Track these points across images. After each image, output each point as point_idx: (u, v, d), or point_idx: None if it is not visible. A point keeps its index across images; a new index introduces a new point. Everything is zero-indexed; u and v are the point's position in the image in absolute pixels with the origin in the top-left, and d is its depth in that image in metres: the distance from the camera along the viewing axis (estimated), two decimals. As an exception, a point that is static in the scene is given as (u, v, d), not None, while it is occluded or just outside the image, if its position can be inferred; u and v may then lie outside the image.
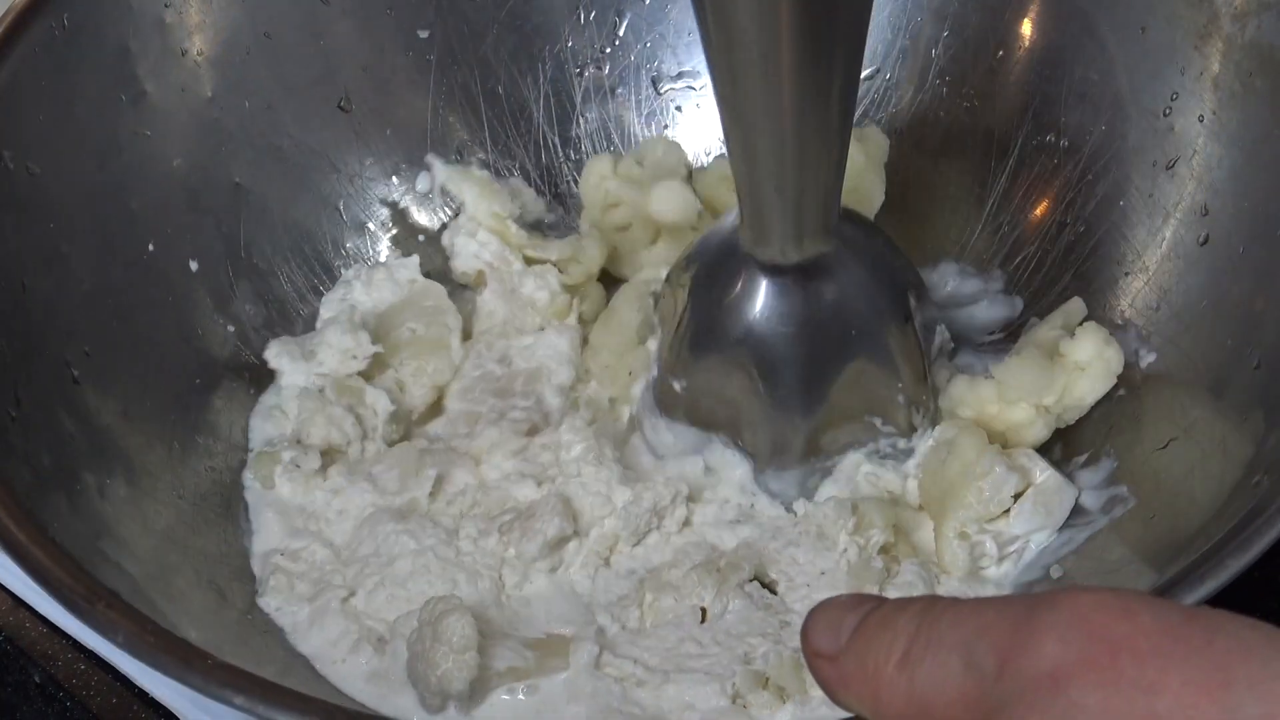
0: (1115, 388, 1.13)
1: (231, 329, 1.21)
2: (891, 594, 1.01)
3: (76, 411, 1.04)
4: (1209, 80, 1.10)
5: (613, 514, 1.08)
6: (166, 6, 1.17)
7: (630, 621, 1.03)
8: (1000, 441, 1.12)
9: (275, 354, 1.19)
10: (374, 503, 1.11)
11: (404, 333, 1.21)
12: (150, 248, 1.16)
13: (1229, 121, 1.08)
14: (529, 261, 1.26)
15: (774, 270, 1.05)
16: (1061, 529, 1.08)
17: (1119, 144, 1.17)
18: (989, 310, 1.25)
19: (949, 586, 1.06)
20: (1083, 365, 1.12)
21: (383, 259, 1.31)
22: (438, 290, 1.24)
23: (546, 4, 1.33)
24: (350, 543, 1.09)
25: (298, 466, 1.13)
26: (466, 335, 1.25)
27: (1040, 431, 1.13)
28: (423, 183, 1.32)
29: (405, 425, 1.20)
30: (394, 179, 1.32)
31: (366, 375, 1.19)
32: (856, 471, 1.12)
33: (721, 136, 1.01)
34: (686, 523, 1.10)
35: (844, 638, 0.60)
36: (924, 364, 1.11)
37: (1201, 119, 1.10)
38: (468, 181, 1.29)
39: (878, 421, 1.11)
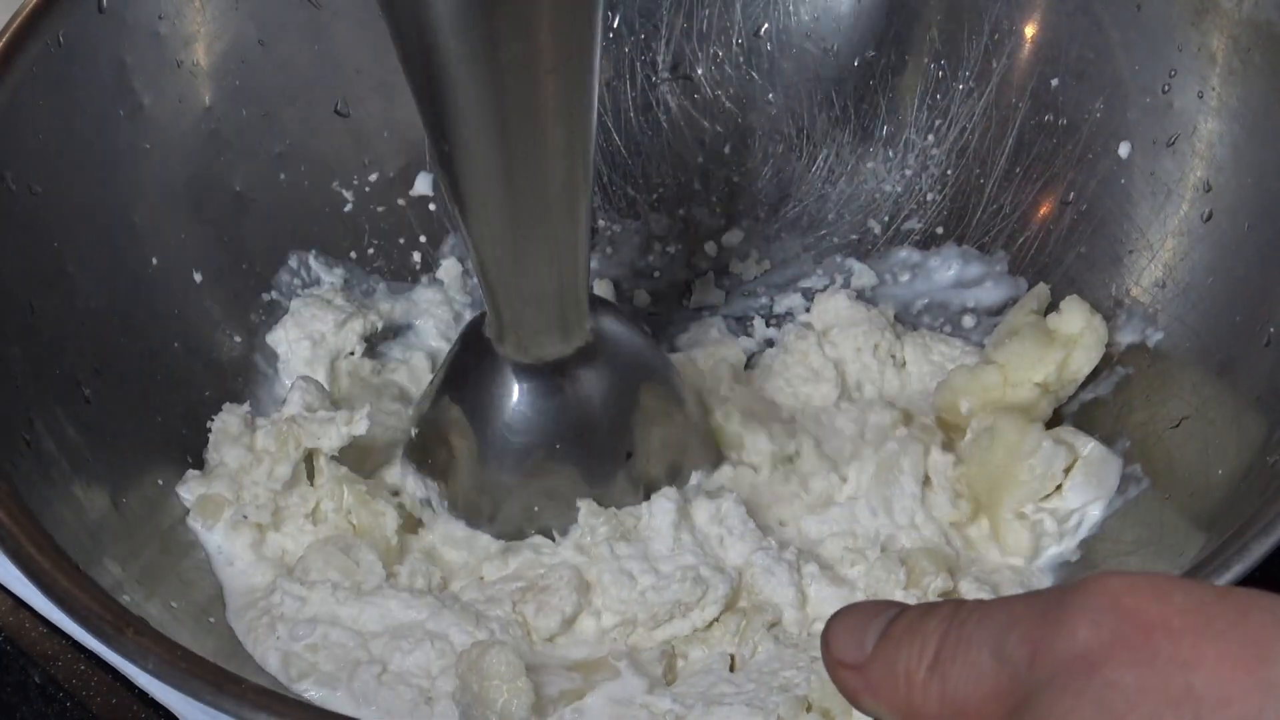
0: (1124, 367, 1.13)
1: (239, 339, 1.21)
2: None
3: (90, 431, 1.04)
4: (1207, 56, 1.10)
5: (635, 596, 1.05)
6: (160, 18, 1.16)
7: (657, 672, 1.02)
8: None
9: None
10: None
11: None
12: (154, 261, 1.16)
13: (1229, 97, 1.08)
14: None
15: (514, 364, 1.04)
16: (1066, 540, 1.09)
17: (1118, 122, 1.17)
18: (994, 292, 1.25)
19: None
20: (1075, 338, 1.13)
21: (386, 266, 1.31)
22: None
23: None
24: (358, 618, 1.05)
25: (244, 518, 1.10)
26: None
27: (1045, 409, 1.14)
28: (422, 185, 1.31)
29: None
30: (393, 180, 1.31)
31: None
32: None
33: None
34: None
35: (869, 645, 0.59)
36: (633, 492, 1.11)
37: (1201, 95, 1.10)
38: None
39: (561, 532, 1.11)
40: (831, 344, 1.25)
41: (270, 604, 1.03)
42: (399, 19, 0.77)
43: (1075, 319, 1.13)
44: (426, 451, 1.12)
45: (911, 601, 1.01)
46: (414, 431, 1.12)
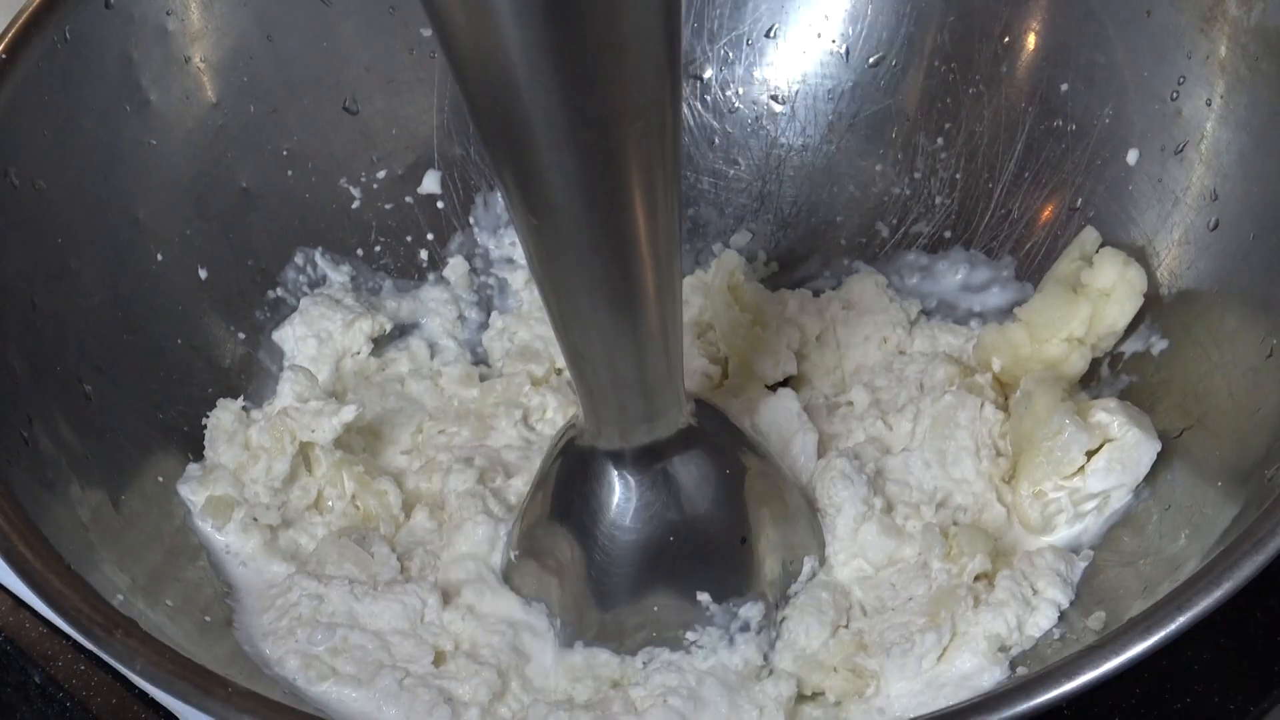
0: (1128, 375, 1.13)
1: (243, 336, 1.21)
2: (984, 615, 1.00)
3: (89, 428, 1.04)
4: (1215, 64, 1.09)
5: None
6: (168, 14, 1.17)
7: None
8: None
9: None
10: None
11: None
12: (159, 257, 1.16)
13: (1236, 105, 1.07)
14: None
15: (609, 457, 0.99)
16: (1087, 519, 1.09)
17: (1127, 128, 1.16)
18: (1001, 297, 1.25)
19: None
20: (1107, 291, 1.12)
21: (393, 264, 1.31)
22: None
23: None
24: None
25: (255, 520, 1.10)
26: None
27: (1078, 364, 1.14)
28: (430, 182, 1.31)
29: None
30: (401, 177, 1.31)
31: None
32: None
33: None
34: None
35: None
36: (755, 579, 1.05)
37: (1209, 103, 1.09)
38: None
39: (686, 629, 1.04)
40: (844, 324, 1.26)
41: (288, 604, 1.03)
42: (473, 83, 0.69)
43: (1108, 272, 1.12)
44: (531, 571, 1.06)
45: (944, 576, 1.03)
46: (514, 554, 1.07)
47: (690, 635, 1.03)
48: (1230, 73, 1.08)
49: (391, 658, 1.00)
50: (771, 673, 1.03)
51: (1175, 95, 1.12)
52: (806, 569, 1.07)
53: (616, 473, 0.99)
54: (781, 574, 1.06)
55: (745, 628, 1.03)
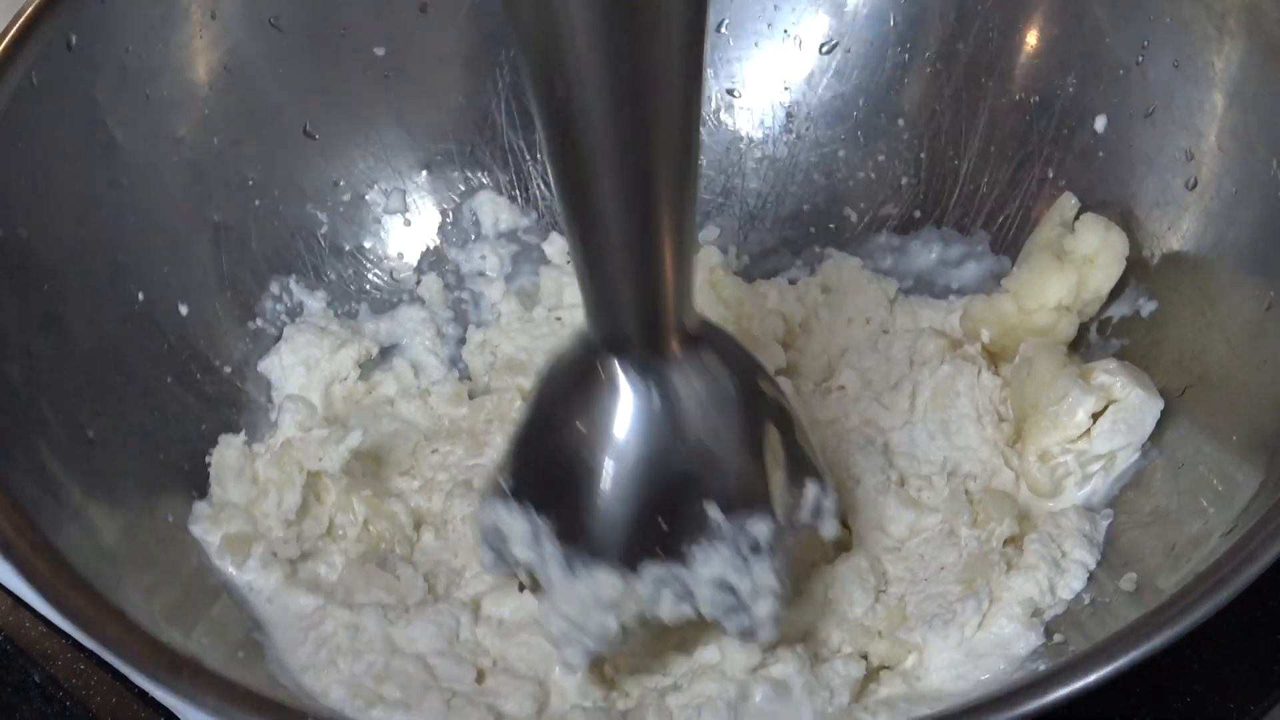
0: (1118, 339, 1.15)
1: (229, 370, 1.20)
2: (1017, 579, 1.01)
3: (98, 473, 1.03)
4: (1180, 25, 1.10)
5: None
6: (127, 51, 1.15)
7: None
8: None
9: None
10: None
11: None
12: (141, 297, 1.14)
13: (1205, 65, 1.09)
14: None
15: (617, 372, 0.95)
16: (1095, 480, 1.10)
17: (1093, 96, 1.18)
18: (977, 271, 1.27)
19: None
20: (1090, 257, 1.14)
21: (367, 286, 1.31)
22: None
23: (497, 8, 1.31)
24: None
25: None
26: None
27: (1067, 330, 1.16)
28: (395, 201, 1.31)
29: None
30: (367, 199, 1.31)
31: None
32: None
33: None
34: None
35: None
36: (765, 496, 1.01)
37: (1177, 64, 1.11)
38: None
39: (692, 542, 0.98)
40: (826, 309, 1.27)
41: (323, 635, 1.02)
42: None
43: (1090, 238, 1.14)
44: (529, 485, 1.00)
45: (975, 543, 1.04)
46: (510, 466, 1.01)
47: (697, 550, 0.97)
48: (1196, 33, 1.10)
49: (435, 679, 1.00)
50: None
51: (1140, 60, 1.14)
52: (811, 494, 1.02)
53: (623, 379, 0.94)
54: (787, 495, 1.01)
55: (756, 548, 0.97)
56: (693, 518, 0.96)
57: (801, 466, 1.02)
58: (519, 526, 0.98)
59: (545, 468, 0.99)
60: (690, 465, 0.96)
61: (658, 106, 0.76)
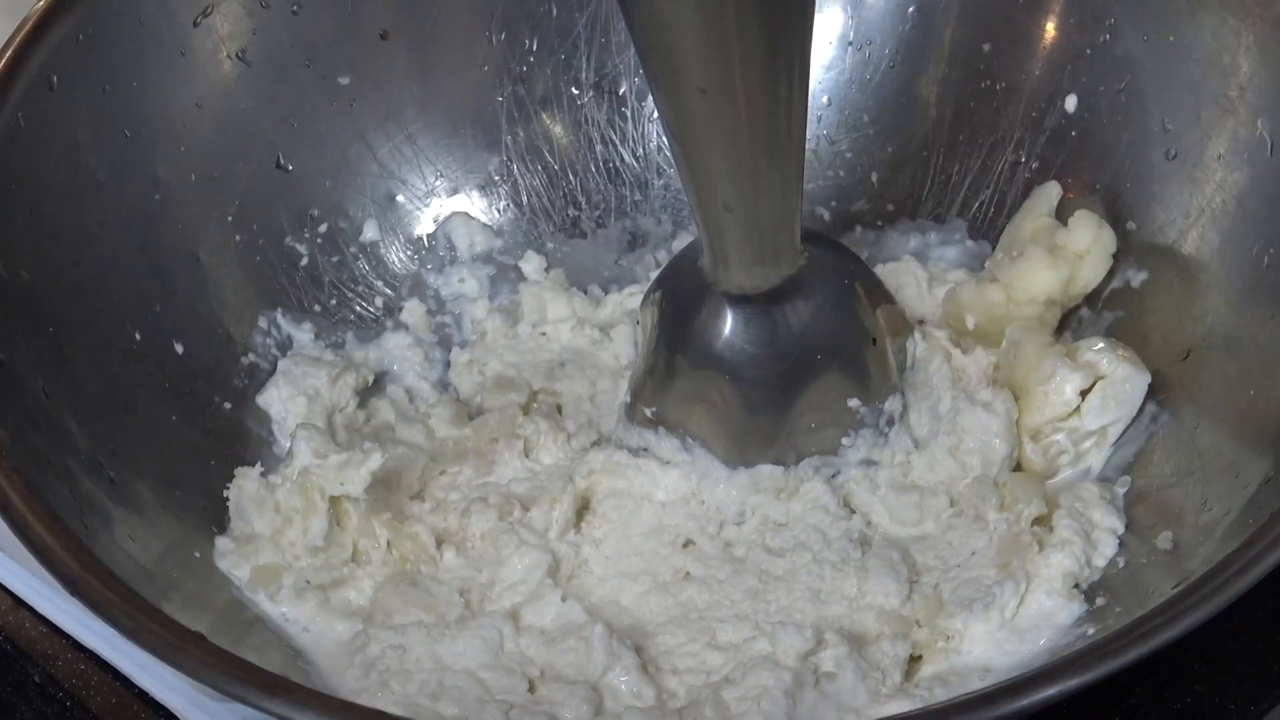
0: (1110, 311, 1.17)
1: (228, 406, 1.19)
2: (1053, 556, 1.02)
3: (122, 515, 1.01)
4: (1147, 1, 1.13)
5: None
6: (104, 91, 1.14)
7: None
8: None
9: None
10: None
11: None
12: (137, 337, 1.13)
13: (1177, 37, 1.11)
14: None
15: (738, 298, 1.07)
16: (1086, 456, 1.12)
17: (1061, 77, 1.21)
18: (958, 259, 1.28)
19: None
20: (1081, 254, 1.16)
21: (351, 316, 1.30)
22: None
23: (455, 33, 1.32)
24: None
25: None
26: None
27: (1051, 320, 1.18)
28: (370, 230, 1.30)
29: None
30: (343, 229, 1.30)
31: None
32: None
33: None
34: None
35: None
36: (891, 374, 1.14)
37: (1146, 39, 1.14)
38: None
39: (841, 434, 1.14)
40: None
41: (369, 659, 1.01)
42: None
43: (1083, 234, 1.16)
44: (675, 410, 1.13)
45: (1004, 526, 1.06)
46: (649, 398, 1.14)
47: (845, 440, 1.13)
48: (1167, 7, 1.11)
49: (489, 692, 0.99)
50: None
51: (1107, 39, 1.16)
52: (889, 404, 1.14)
53: (754, 307, 1.08)
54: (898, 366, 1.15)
55: (891, 421, 1.13)
56: (838, 413, 1.12)
57: (899, 337, 1.16)
58: (669, 444, 1.14)
59: (688, 398, 1.12)
60: (827, 368, 1.10)
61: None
